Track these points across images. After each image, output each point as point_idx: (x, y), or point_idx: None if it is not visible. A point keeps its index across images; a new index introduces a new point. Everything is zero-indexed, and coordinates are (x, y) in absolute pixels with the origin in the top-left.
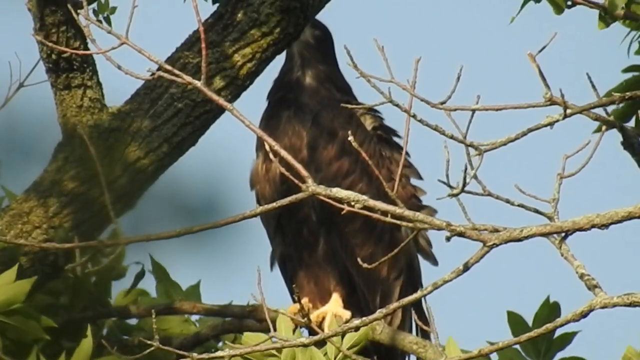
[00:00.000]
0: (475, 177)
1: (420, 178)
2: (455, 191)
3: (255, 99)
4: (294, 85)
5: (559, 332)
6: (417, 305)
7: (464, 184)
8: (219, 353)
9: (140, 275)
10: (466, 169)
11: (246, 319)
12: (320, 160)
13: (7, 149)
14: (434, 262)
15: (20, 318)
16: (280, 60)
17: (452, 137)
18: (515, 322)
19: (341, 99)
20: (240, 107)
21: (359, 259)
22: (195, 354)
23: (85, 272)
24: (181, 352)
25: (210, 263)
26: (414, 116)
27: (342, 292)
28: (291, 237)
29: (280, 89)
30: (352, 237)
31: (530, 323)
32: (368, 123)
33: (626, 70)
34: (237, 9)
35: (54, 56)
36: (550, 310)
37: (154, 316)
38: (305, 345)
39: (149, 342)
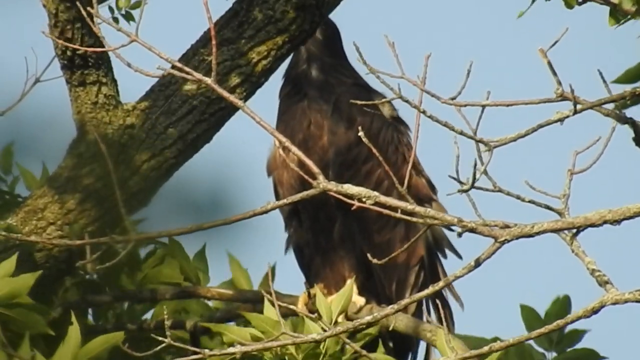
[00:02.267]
0: (485, 172)
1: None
2: (465, 187)
3: (270, 96)
4: (302, 79)
5: (569, 328)
6: (431, 301)
7: (474, 180)
8: (230, 349)
9: (152, 253)
10: (476, 164)
11: (259, 304)
12: (340, 145)
13: (22, 144)
14: (444, 255)
15: (23, 311)
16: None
17: (461, 133)
18: (529, 316)
19: (354, 83)
20: (255, 104)
21: (369, 255)
22: (206, 350)
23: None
24: (193, 349)
25: (220, 256)
26: (424, 112)
27: (357, 277)
28: (308, 222)
29: (288, 83)
30: (371, 222)
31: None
32: (386, 109)
33: None
34: (252, 6)
35: (68, 53)
36: (561, 306)
37: (165, 316)
38: (317, 342)
39: (160, 338)
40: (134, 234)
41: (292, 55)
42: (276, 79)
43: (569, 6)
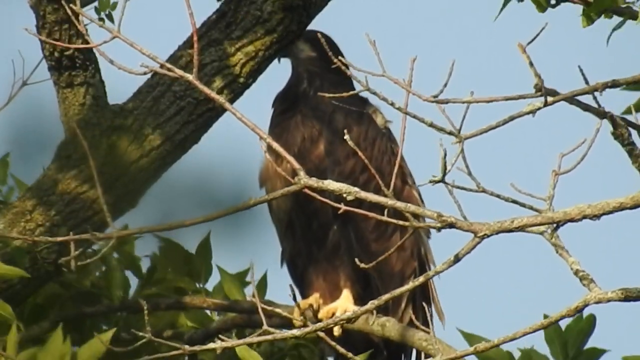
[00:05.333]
0: (468, 171)
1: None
2: (436, 178)
3: (258, 98)
4: (301, 96)
5: (588, 346)
6: (418, 304)
7: (445, 171)
8: (211, 345)
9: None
10: (445, 154)
11: (255, 314)
12: (338, 155)
13: (10, 147)
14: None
15: None
16: (284, 69)
17: (431, 125)
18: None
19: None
20: (243, 105)
21: (356, 260)
22: (186, 346)
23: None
24: (173, 344)
25: (231, 248)
26: (392, 104)
27: (352, 287)
28: (300, 232)
29: (287, 99)
30: (368, 231)
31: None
32: (379, 119)
33: None
34: (240, 6)
35: (56, 54)
36: (587, 323)
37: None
38: (296, 337)
39: (140, 333)
40: (116, 231)
41: (292, 75)
42: (266, 83)
43: (541, 9)
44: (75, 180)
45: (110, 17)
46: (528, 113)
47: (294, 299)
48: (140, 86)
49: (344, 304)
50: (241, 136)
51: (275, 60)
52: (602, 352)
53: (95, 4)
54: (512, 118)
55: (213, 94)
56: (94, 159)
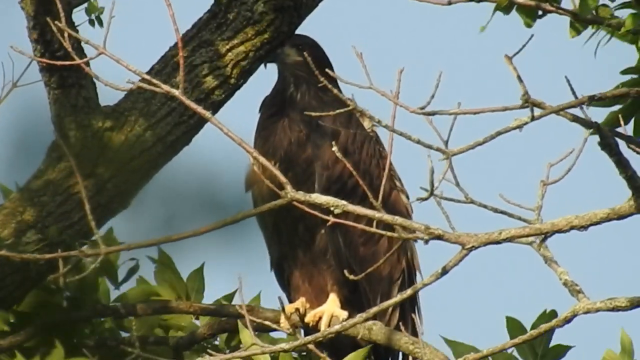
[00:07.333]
0: (457, 185)
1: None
2: (424, 195)
3: (250, 98)
4: (288, 101)
5: (554, 343)
6: (406, 314)
7: (432, 188)
8: None
9: (134, 270)
10: (433, 172)
11: (242, 318)
12: (326, 159)
13: (0, 149)
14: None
15: None
16: (271, 75)
17: (419, 142)
18: (514, 327)
19: (335, 100)
20: (235, 105)
21: (345, 272)
22: None
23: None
24: None
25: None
26: (380, 122)
27: (339, 291)
28: (286, 236)
29: (274, 104)
30: (356, 235)
31: (527, 328)
32: (366, 122)
33: (624, 72)
34: (231, 7)
35: (47, 55)
36: (548, 319)
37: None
38: (285, 351)
39: (129, 349)
40: (104, 248)
41: (278, 80)
42: (258, 84)
43: (528, 25)
44: (67, 181)
45: (99, 20)
46: (515, 128)
47: (282, 306)
48: (131, 87)
49: (331, 307)
50: (243, 137)
51: (262, 66)
52: (568, 348)
53: (87, 5)
54: (499, 133)
55: (199, 109)
56: (87, 160)
